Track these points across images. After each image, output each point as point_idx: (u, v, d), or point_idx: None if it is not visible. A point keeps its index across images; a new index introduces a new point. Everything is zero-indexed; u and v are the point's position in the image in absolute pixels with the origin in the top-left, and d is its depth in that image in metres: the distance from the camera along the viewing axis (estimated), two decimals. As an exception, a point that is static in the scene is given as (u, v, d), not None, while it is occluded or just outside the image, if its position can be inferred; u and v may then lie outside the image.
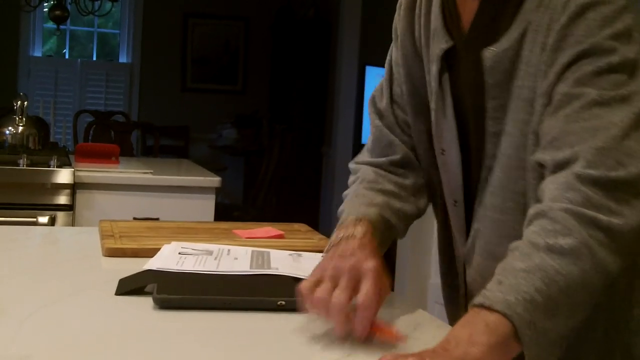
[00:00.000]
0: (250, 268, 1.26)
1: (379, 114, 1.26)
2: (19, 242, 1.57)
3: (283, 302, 1.08)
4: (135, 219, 2.50)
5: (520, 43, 1.03)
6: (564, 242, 0.87)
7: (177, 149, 6.74)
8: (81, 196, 2.83)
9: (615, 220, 0.88)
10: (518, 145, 1.03)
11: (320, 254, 1.41)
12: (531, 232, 0.91)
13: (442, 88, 1.13)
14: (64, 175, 2.78)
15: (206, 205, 2.96)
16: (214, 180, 3.00)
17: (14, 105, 3.26)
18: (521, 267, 0.86)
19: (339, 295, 0.93)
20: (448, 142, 1.15)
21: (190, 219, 2.15)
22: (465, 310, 0.89)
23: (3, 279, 1.21)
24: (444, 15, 1.13)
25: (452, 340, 0.83)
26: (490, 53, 1.05)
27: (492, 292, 0.86)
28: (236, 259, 1.33)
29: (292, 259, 1.36)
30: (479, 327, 0.83)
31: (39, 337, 0.93)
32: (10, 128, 3.24)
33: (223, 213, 3.00)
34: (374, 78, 5.96)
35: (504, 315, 0.83)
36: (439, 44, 1.12)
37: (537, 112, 1.00)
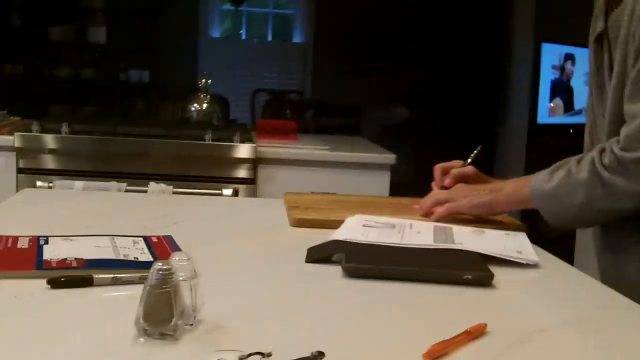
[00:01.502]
0: (434, 242, 1.28)
1: None
2: (212, 211, 1.67)
3: (470, 277, 1.09)
4: (313, 193, 2.56)
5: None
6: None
7: (349, 127, 6.82)
8: (262, 171, 2.94)
9: None
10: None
11: (504, 232, 1.41)
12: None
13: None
14: (246, 150, 2.90)
15: (381, 181, 2.99)
16: (389, 157, 3.03)
17: (198, 84, 3.43)
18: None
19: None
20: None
21: (366, 195, 2.18)
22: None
23: (198, 247, 1.29)
24: None
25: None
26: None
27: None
28: (419, 232, 1.35)
29: (475, 235, 1.36)
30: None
31: (230, 301, 0.99)
32: (195, 105, 3.42)
33: (393, 191, 3.02)
34: (551, 56, 5.74)
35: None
36: None
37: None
